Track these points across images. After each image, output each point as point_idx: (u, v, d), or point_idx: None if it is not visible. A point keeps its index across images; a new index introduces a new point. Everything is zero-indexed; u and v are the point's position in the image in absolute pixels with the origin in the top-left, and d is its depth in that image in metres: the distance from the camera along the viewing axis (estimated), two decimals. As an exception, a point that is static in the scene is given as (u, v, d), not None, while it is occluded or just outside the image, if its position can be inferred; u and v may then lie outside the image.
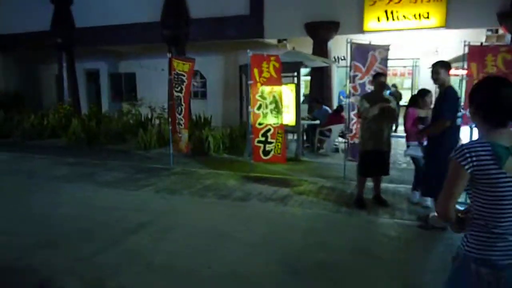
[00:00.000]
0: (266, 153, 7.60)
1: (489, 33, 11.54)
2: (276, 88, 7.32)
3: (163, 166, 8.39)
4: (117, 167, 8.41)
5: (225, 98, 15.87)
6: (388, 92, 13.70)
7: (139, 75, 17.44)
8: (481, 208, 1.84)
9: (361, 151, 5.57)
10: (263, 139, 7.59)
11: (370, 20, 11.14)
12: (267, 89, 7.39)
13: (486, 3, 10.23)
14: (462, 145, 1.84)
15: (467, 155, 1.79)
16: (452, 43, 11.97)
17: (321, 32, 11.63)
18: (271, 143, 7.52)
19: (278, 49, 13.84)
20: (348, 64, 7.04)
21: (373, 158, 5.40)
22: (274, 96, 7.35)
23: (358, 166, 5.70)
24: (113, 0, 14.30)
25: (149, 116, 13.29)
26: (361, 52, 6.91)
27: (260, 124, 7.58)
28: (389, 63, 12.85)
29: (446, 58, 12.31)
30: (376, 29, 11.09)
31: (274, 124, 7.44)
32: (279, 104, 7.35)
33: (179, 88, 8.11)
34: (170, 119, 8.49)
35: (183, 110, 8.29)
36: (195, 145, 9.74)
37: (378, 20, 11.06)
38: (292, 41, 13.70)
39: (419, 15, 10.66)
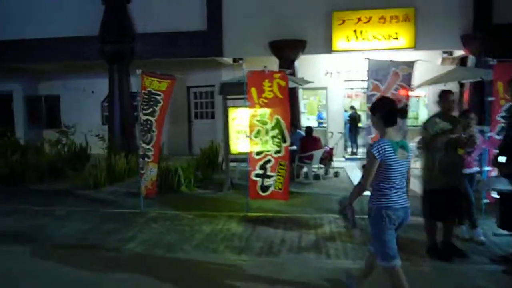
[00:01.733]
0: (264, 188, 6.36)
1: (445, 55, 11.76)
2: (281, 111, 6.18)
3: (132, 210, 6.64)
4: (72, 215, 6.45)
5: (171, 124, 14.15)
6: (348, 114, 13.39)
7: (64, 97, 15.04)
8: (384, 179, 3.13)
9: (428, 190, 4.57)
10: (261, 172, 6.35)
11: (339, 40, 10.63)
12: (268, 111, 6.22)
13: (451, 26, 10.33)
14: (376, 143, 3.13)
15: (380, 150, 3.07)
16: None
17: (287, 51, 10.81)
18: (270, 177, 6.30)
19: (234, 69, 12.77)
20: (364, 82, 6.25)
21: (444, 198, 4.45)
22: (277, 120, 6.20)
23: (424, 208, 4.70)
24: (38, 9, 12.06)
25: (84, 146, 11.13)
26: (380, 69, 6.14)
27: (258, 153, 6.35)
28: (350, 84, 12.87)
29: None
30: (345, 49, 10.61)
31: (275, 154, 6.25)
32: (284, 130, 6.19)
33: (150, 110, 6.52)
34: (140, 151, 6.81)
35: (154, 138, 6.71)
36: (161, 181, 8.08)
37: (347, 40, 10.59)
38: (248, 61, 12.71)
39: (388, 35, 10.42)
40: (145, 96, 6.40)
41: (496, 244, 4.90)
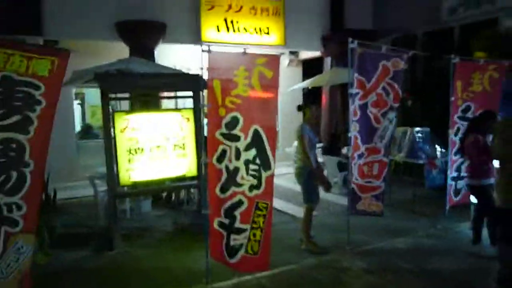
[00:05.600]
0: (231, 250, 3.78)
1: (292, 57, 11.27)
2: (264, 117, 3.74)
3: None
4: None
5: None
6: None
7: None
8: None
9: (504, 210, 3.39)
10: (227, 221, 3.75)
11: (209, 28, 8.44)
12: (241, 119, 3.68)
13: (314, 26, 9.77)
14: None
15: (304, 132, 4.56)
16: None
17: (141, 36, 7.85)
18: (241, 231, 3.73)
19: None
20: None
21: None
22: (256, 133, 3.73)
23: (503, 231, 3.45)
24: None
25: None
26: (369, 61, 4.54)
27: (223, 190, 3.72)
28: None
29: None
30: (216, 40, 8.49)
31: (250, 191, 3.71)
32: (266, 150, 3.77)
33: (13, 118, 2.78)
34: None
35: (26, 181, 2.85)
36: None
37: (218, 30, 8.53)
38: (64, 44, 8.81)
39: (260, 29, 8.95)
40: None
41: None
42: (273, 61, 3.68)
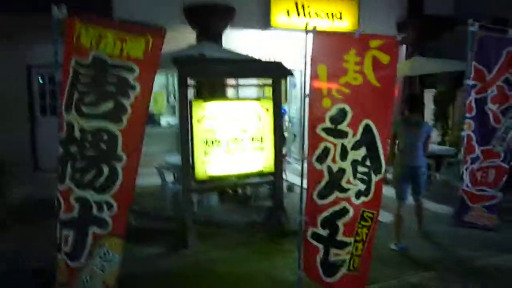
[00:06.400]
0: (329, 268, 3.20)
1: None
2: (377, 111, 3.13)
3: None
4: None
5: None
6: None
7: None
8: None
9: None
10: (325, 233, 3.18)
11: (278, 13, 7.85)
12: (349, 113, 3.08)
13: (390, 12, 8.91)
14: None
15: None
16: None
17: (210, 21, 7.40)
18: (343, 245, 3.12)
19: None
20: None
21: None
22: (367, 129, 3.12)
23: None
24: None
25: None
26: (492, 48, 3.78)
27: (323, 194, 3.16)
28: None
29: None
30: (286, 25, 7.91)
31: (357, 198, 3.07)
32: (378, 150, 3.14)
33: (104, 106, 2.38)
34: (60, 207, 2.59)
35: (118, 177, 2.46)
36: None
37: (288, 15, 7.93)
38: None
39: (332, 14, 8.25)
40: (84, 72, 2.36)
41: None
42: (390, 44, 3.00)
